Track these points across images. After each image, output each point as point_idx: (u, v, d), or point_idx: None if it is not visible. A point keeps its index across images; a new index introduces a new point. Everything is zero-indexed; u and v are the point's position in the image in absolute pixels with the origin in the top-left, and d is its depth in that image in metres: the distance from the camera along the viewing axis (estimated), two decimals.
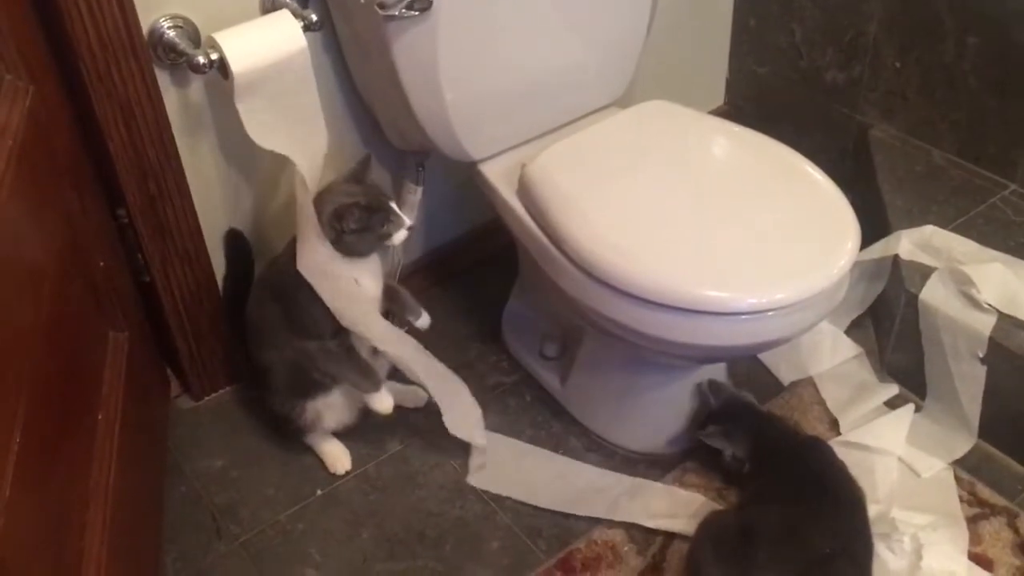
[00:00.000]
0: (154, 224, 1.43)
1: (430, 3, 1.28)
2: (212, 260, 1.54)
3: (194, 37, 1.34)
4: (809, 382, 1.66)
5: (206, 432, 1.61)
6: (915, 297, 1.55)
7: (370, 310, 1.43)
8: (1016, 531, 1.41)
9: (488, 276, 1.88)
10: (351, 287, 1.40)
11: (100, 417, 1.22)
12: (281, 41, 1.30)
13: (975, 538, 1.40)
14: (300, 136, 1.36)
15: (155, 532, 1.41)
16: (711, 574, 1.25)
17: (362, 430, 1.55)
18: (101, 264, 1.32)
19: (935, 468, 1.49)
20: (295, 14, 1.33)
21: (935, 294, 1.53)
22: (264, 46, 1.28)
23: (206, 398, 1.66)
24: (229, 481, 1.53)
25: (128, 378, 1.31)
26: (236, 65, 1.26)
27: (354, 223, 1.34)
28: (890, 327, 1.63)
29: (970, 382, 1.50)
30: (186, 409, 1.65)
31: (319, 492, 1.51)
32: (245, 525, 1.46)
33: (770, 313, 1.26)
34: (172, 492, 1.51)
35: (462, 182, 1.65)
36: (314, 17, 1.35)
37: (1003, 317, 1.48)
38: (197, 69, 1.28)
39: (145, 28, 1.30)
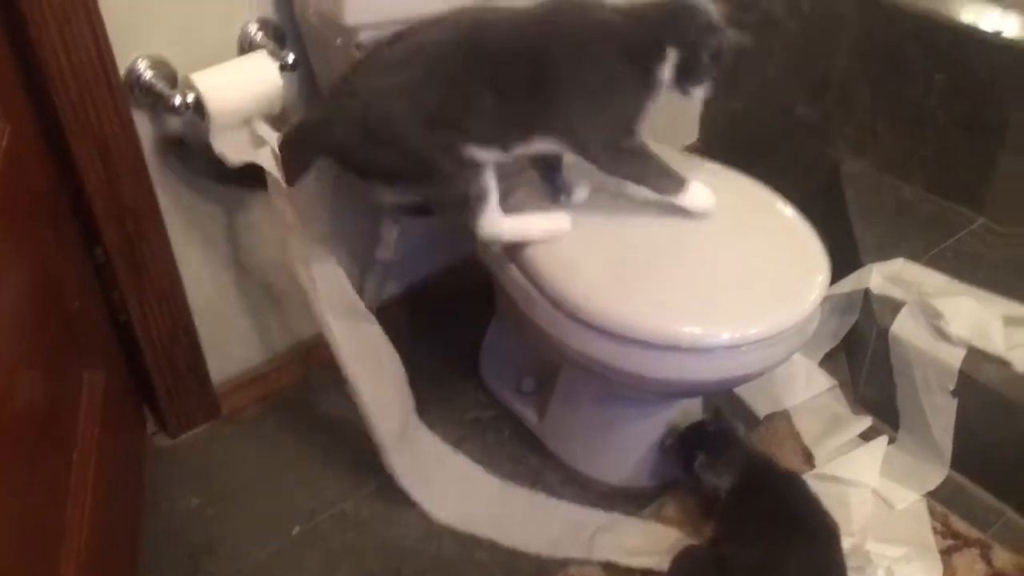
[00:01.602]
0: (131, 263, 1.44)
1: None
2: (188, 298, 1.54)
3: (171, 78, 1.35)
4: (784, 415, 1.68)
5: (183, 470, 1.60)
6: (886, 330, 1.57)
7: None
8: (989, 563, 1.42)
9: (466, 312, 1.89)
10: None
11: (75, 456, 1.21)
12: (258, 82, 1.31)
13: (949, 570, 1.41)
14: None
15: (131, 571, 1.40)
16: None
17: (337, 469, 1.54)
18: (77, 304, 1.32)
19: (909, 500, 1.50)
20: (272, 55, 1.35)
21: (906, 327, 1.55)
22: (241, 87, 1.30)
23: (182, 436, 1.65)
24: (206, 519, 1.52)
25: (104, 416, 1.31)
26: (213, 105, 1.28)
27: None
28: (863, 360, 1.65)
29: (941, 414, 1.52)
30: (163, 447, 1.64)
31: (296, 530, 1.50)
32: (222, 563, 1.45)
33: (744, 348, 1.27)
34: (148, 530, 1.50)
35: (439, 218, 1.66)
36: (291, 58, 1.37)
37: (972, 350, 1.50)
38: (174, 110, 1.29)
39: (122, 69, 1.31)
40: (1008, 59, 1.63)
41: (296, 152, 1.29)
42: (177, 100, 1.29)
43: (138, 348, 1.53)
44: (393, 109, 1.24)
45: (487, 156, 1.29)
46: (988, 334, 1.51)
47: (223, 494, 1.56)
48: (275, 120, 1.36)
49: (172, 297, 1.51)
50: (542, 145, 1.32)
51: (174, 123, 1.40)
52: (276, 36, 1.41)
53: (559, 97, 1.27)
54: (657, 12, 1.30)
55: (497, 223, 1.33)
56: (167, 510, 1.53)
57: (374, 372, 1.49)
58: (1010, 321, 1.53)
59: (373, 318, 1.49)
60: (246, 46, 1.39)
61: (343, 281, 1.44)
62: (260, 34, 1.39)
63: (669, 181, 1.35)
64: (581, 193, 1.43)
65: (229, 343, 1.66)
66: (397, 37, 1.27)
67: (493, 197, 1.32)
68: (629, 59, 1.28)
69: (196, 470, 1.60)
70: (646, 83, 1.30)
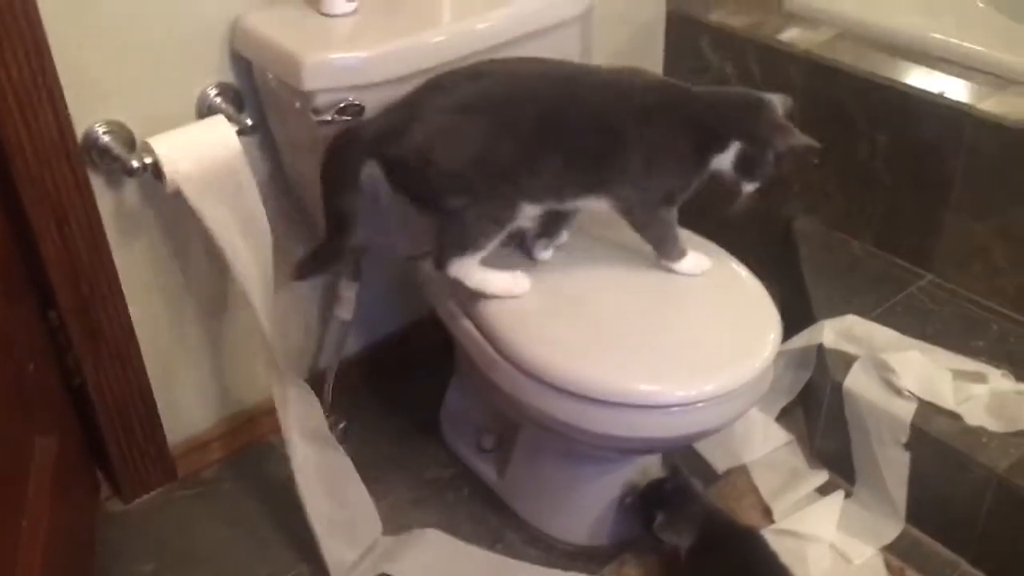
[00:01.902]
0: (86, 327, 1.43)
1: (362, 109, 1.31)
2: (145, 362, 1.53)
3: (128, 142, 1.35)
4: (743, 469, 1.69)
5: (136, 535, 1.57)
6: (840, 385, 1.59)
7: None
8: None
9: (426, 370, 1.89)
10: None
11: (24, 524, 1.19)
12: (216, 145, 1.32)
13: None
14: (245, 236, 1.37)
15: None
16: None
17: (295, 532, 1.52)
18: (31, 368, 1.30)
19: (866, 555, 1.51)
20: (230, 118, 1.36)
21: (858, 382, 1.57)
22: (198, 150, 1.31)
23: (136, 500, 1.63)
24: None
25: (55, 483, 1.29)
26: (169, 167, 1.28)
27: None
28: (818, 414, 1.68)
29: (895, 468, 1.54)
30: (116, 512, 1.62)
31: None
32: None
33: (700, 404, 1.29)
34: None
35: (399, 277, 1.67)
36: (249, 121, 1.38)
37: (923, 403, 1.53)
38: (131, 173, 1.30)
39: (79, 133, 1.32)
40: (949, 120, 1.68)
41: (347, 153, 1.27)
42: (135, 163, 1.29)
43: (92, 412, 1.52)
44: (460, 153, 1.25)
45: (533, 211, 1.33)
46: (938, 388, 1.54)
47: (178, 559, 1.53)
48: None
49: (128, 360, 1.50)
50: (588, 204, 1.36)
51: (132, 188, 1.41)
52: (234, 100, 1.42)
53: (623, 167, 1.31)
54: (729, 103, 1.35)
55: (469, 269, 1.34)
56: None
57: (331, 499, 1.50)
58: (959, 375, 1.57)
59: (340, 448, 1.53)
60: (204, 110, 1.41)
61: (314, 405, 1.48)
62: (219, 98, 1.41)
63: (675, 249, 1.40)
64: (545, 253, 1.45)
65: (186, 405, 1.65)
66: (458, 75, 1.29)
67: (488, 251, 1.33)
68: (694, 144, 1.33)
69: (150, 535, 1.58)
70: (699, 166, 1.35)
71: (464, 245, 1.32)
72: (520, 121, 1.27)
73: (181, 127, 1.33)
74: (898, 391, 1.54)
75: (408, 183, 1.30)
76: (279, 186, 1.57)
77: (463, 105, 1.26)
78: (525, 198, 1.30)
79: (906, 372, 1.55)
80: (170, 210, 1.39)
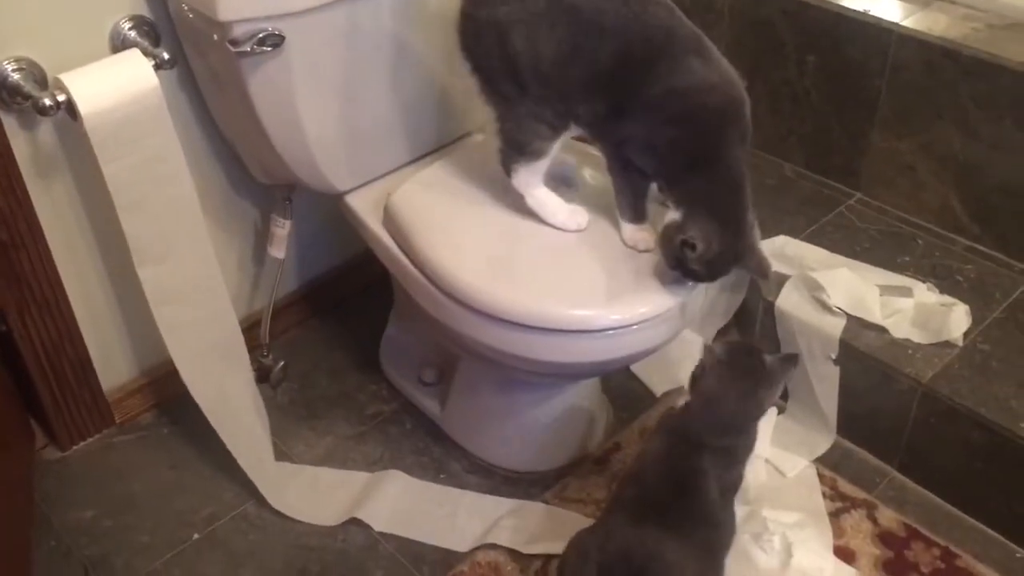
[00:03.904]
0: (8, 272, 1.39)
1: (282, 39, 1.28)
2: (74, 308, 1.50)
3: (40, 79, 1.31)
4: (680, 392, 1.72)
5: (74, 482, 1.56)
6: (772, 305, 1.62)
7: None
8: (875, 522, 1.48)
9: (364, 306, 1.89)
10: None
11: None
12: (131, 80, 1.27)
13: (838, 531, 1.47)
14: (162, 179, 1.34)
15: None
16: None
17: (236, 471, 1.52)
18: None
19: (799, 467, 1.56)
20: (145, 52, 1.32)
21: (789, 300, 1.61)
22: (114, 86, 1.26)
23: (73, 448, 1.61)
24: (101, 531, 1.48)
25: None
26: (84, 106, 1.24)
27: None
28: (752, 334, 1.71)
29: (826, 382, 1.58)
30: (53, 460, 1.60)
31: (195, 536, 1.48)
32: (119, 575, 1.42)
33: (634, 327, 1.30)
34: (41, 547, 1.45)
35: (332, 213, 1.65)
36: (165, 55, 1.34)
37: (851, 319, 1.57)
38: (44, 111, 1.25)
39: None
40: (875, 39, 1.70)
41: None
42: (47, 101, 1.24)
43: (22, 360, 1.49)
44: (533, 49, 1.26)
45: (572, 132, 1.35)
46: (866, 303, 1.58)
47: (118, 504, 1.52)
48: None
49: (55, 305, 1.47)
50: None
51: (47, 128, 1.36)
52: (150, 33, 1.38)
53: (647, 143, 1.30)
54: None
55: (531, 184, 1.37)
56: (59, 524, 1.49)
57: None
58: (885, 290, 1.61)
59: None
60: (119, 44, 1.36)
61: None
62: (133, 32, 1.36)
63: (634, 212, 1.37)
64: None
65: (120, 350, 1.62)
66: None
67: (545, 162, 1.35)
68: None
69: (89, 482, 1.56)
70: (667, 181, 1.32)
71: (519, 145, 1.33)
72: (596, 53, 1.25)
73: (94, 63, 1.29)
74: (827, 308, 1.57)
75: (477, 49, 1.31)
76: (202, 123, 1.53)
77: (558, 10, 1.26)
78: (573, 117, 1.31)
79: (835, 289, 1.58)
80: (90, 152, 1.34)
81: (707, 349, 1.30)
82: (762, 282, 1.65)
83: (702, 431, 1.27)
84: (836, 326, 1.55)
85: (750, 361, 1.28)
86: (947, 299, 1.60)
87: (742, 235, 1.27)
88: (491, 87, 1.34)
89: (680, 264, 1.27)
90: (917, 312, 1.57)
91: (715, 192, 1.27)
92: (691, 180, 1.28)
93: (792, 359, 1.31)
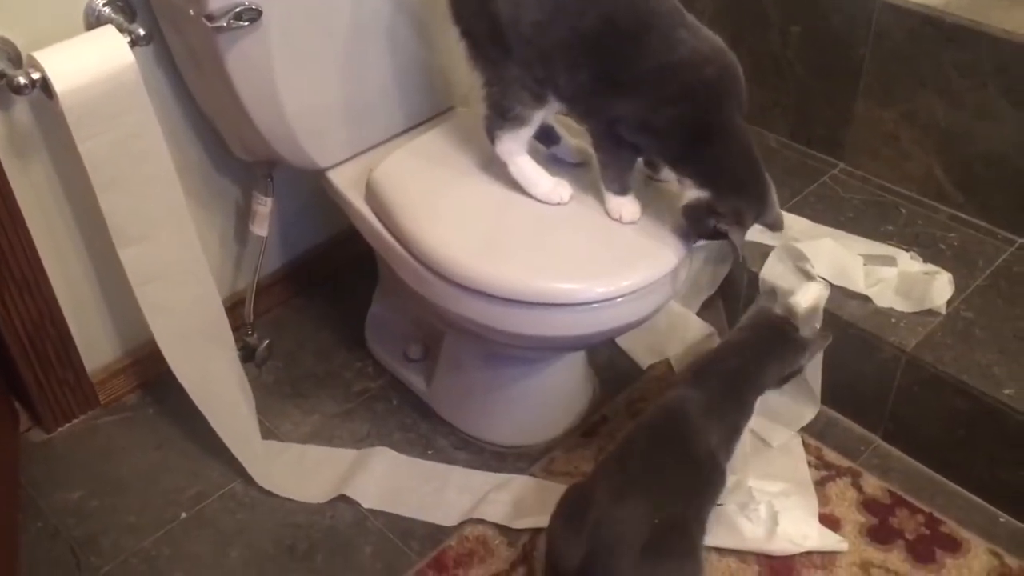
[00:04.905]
0: None
1: (259, 13, 1.27)
2: (55, 288, 1.49)
3: (14, 57, 1.29)
4: (666, 364, 1.73)
5: (60, 464, 1.55)
6: (756, 276, 1.62)
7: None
8: (859, 489, 1.49)
9: (349, 283, 1.88)
10: None
11: None
12: (107, 57, 1.26)
13: (823, 499, 1.48)
14: (140, 157, 1.32)
15: (11, 571, 1.35)
16: (556, 545, 1.26)
17: (223, 450, 1.52)
18: None
19: (784, 437, 1.57)
20: (121, 29, 1.30)
21: (774, 271, 1.61)
22: (89, 63, 1.24)
23: (59, 429, 1.60)
24: (88, 512, 1.48)
25: None
26: (60, 84, 1.22)
27: None
28: (737, 306, 1.71)
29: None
30: (38, 442, 1.59)
31: (183, 515, 1.48)
32: (106, 556, 1.42)
33: (619, 299, 1.30)
34: (27, 529, 1.45)
35: (314, 190, 1.64)
36: (141, 31, 1.32)
37: (835, 288, 1.57)
38: (19, 90, 1.23)
39: None
40: (858, 7, 1.69)
41: None
42: (22, 79, 1.23)
43: (3, 341, 1.48)
44: (518, 12, 1.26)
45: (548, 111, 1.35)
46: (849, 273, 1.58)
47: (105, 485, 1.52)
48: None
49: (36, 286, 1.46)
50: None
51: (23, 107, 1.35)
52: (124, 9, 1.36)
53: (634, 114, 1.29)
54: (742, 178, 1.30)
55: (513, 152, 1.37)
56: (46, 506, 1.49)
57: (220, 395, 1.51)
58: (869, 259, 1.61)
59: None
60: (93, 21, 1.34)
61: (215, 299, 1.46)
62: (107, 7, 1.34)
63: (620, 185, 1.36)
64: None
65: (102, 329, 1.62)
66: None
67: (528, 131, 1.35)
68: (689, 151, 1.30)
69: (75, 463, 1.56)
70: (674, 160, 1.33)
71: (502, 110, 1.33)
72: (579, 17, 1.25)
73: (68, 40, 1.27)
74: (811, 278, 1.57)
75: (464, 11, 1.33)
76: (180, 99, 1.51)
77: None
78: (555, 93, 1.31)
79: (819, 259, 1.58)
80: (66, 130, 1.32)
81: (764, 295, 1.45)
82: (747, 255, 1.65)
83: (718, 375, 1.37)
84: (820, 297, 1.55)
85: (784, 331, 1.42)
86: (930, 267, 1.61)
87: (765, 198, 1.31)
88: (478, 51, 1.34)
89: (712, 238, 1.32)
90: (900, 281, 1.58)
91: (732, 164, 1.29)
92: (702, 156, 1.28)
93: (826, 338, 1.42)
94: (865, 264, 1.60)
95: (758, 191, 1.30)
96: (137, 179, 1.32)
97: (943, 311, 1.54)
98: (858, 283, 1.57)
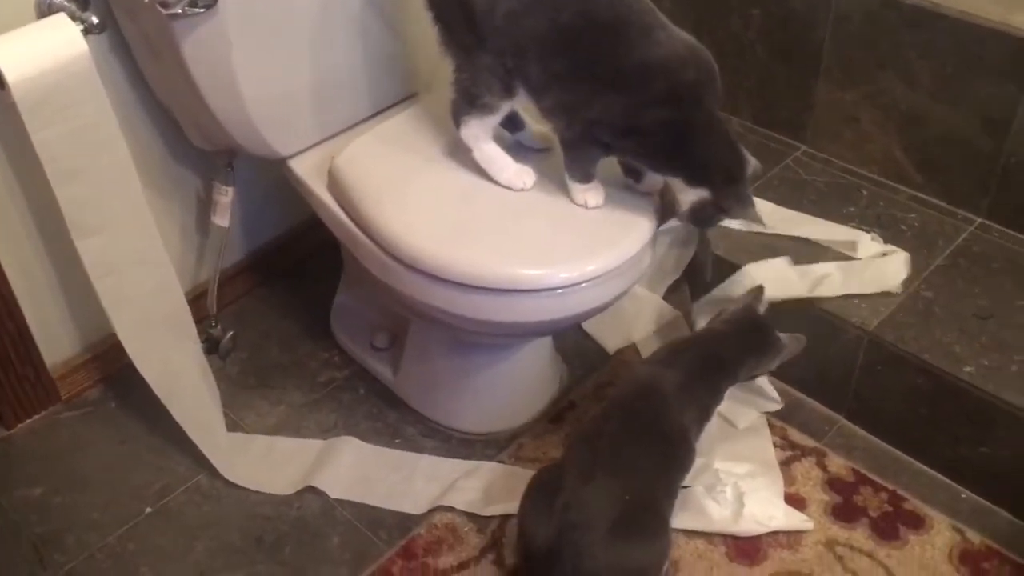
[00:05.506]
0: None
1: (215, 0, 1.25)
2: (10, 280, 1.46)
3: None
4: (633, 349, 1.73)
5: (22, 460, 1.53)
6: (720, 259, 1.63)
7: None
8: (824, 469, 1.51)
9: (314, 272, 1.87)
10: None
11: None
12: (59, 46, 1.23)
13: (788, 479, 1.49)
14: (95, 147, 1.30)
15: None
16: (527, 528, 1.27)
17: (188, 443, 1.50)
18: None
19: (750, 418, 1.58)
20: (73, 17, 1.28)
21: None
22: (41, 52, 1.22)
23: (19, 425, 1.58)
24: (50, 509, 1.46)
25: None
26: (11, 74, 1.19)
27: None
28: (701, 290, 1.72)
29: None
30: None
31: (148, 510, 1.46)
32: (71, 553, 1.40)
33: (584, 284, 1.30)
34: None
35: (277, 179, 1.62)
36: (95, 19, 1.30)
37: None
38: None
39: None
40: None
41: None
42: None
43: None
44: (494, 6, 1.26)
45: (516, 103, 1.36)
46: (783, 283, 1.56)
47: (68, 481, 1.50)
48: None
49: None
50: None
51: None
52: None
53: (607, 111, 1.29)
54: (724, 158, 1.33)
55: (479, 138, 1.37)
56: (7, 503, 1.46)
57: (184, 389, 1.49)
58: (829, 245, 1.62)
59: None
60: (44, 8, 1.31)
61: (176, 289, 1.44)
62: None
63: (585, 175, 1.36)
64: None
65: (61, 323, 1.59)
66: None
67: (495, 119, 1.36)
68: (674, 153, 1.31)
69: (37, 459, 1.54)
70: (661, 165, 1.35)
71: (471, 97, 1.33)
72: (559, 8, 1.25)
73: (19, 28, 1.24)
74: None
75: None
76: (136, 88, 1.48)
77: None
78: (525, 85, 1.31)
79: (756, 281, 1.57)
80: (19, 121, 1.30)
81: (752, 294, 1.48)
82: (711, 239, 1.66)
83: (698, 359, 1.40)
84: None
85: (765, 329, 1.46)
86: (889, 248, 1.62)
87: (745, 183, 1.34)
88: (451, 37, 1.34)
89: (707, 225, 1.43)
90: (845, 271, 1.57)
91: (720, 156, 1.31)
92: (692, 155, 1.30)
93: (800, 341, 1.46)
94: (795, 264, 1.59)
95: (743, 174, 1.33)
96: (93, 170, 1.30)
97: (899, 291, 1.55)
98: (797, 289, 1.57)
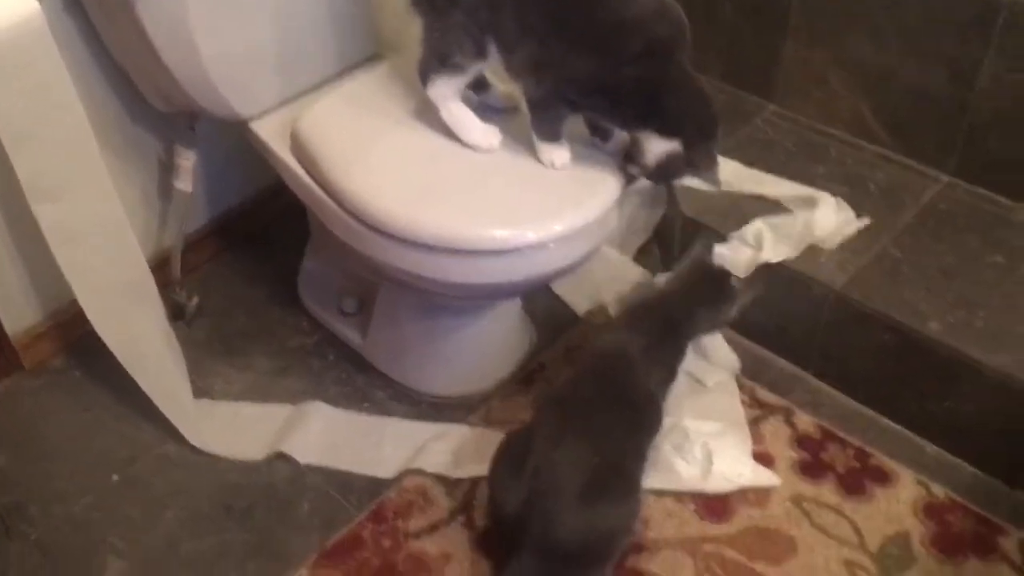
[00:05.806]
0: None
1: None
2: None
3: None
4: (603, 310, 1.73)
5: None
6: (690, 220, 1.63)
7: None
8: (792, 426, 1.52)
9: (281, 237, 1.85)
10: None
11: None
12: (10, 5, 1.19)
13: (757, 438, 1.50)
14: (50, 109, 1.27)
15: None
16: (497, 491, 1.28)
17: (155, 411, 1.48)
18: None
19: (719, 377, 1.59)
20: None
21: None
22: None
23: None
24: (15, 479, 1.44)
25: None
26: None
27: None
28: (672, 250, 1.72)
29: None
30: None
31: (115, 478, 1.45)
32: (37, 523, 1.39)
33: (551, 244, 1.29)
34: None
35: (240, 142, 1.59)
36: None
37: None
38: None
39: None
40: None
41: None
42: None
43: None
44: None
45: (487, 65, 1.35)
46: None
47: (32, 450, 1.48)
48: None
49: None
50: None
51: None
52: None
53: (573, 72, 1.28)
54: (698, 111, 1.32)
55: (446, 97, 1.35)
56: None
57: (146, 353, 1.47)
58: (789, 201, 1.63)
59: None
60: None
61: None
62: None
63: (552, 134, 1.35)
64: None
65: (22, 291, 1.56)
66: None
67: (463, 80, 1.35)
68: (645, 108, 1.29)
69: (1, 427, 1.51)
70: (629, 124, 1.33)
71: (441, 56, 1.32)
72: None
73: None
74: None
75: None
76: (91, 48, 1.45)
77: None
78: (497, 42, 1.30)
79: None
80: None
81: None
82: (681, 199, 1.65)
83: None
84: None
85: (717, 278, 1.46)
86: (842, 203, 1.61)
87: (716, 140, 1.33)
88: None
89: (669, 180, 1.39)
90: (773, 232, 1.57)
91: (693, 109, 1.30)
92: (665, 109, 1.28)
93: (756, 284, 1.46)
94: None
95: (716, 128, 1.33)
96: (49, 132, 1.26)
97: (830, 244, 1.56)
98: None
